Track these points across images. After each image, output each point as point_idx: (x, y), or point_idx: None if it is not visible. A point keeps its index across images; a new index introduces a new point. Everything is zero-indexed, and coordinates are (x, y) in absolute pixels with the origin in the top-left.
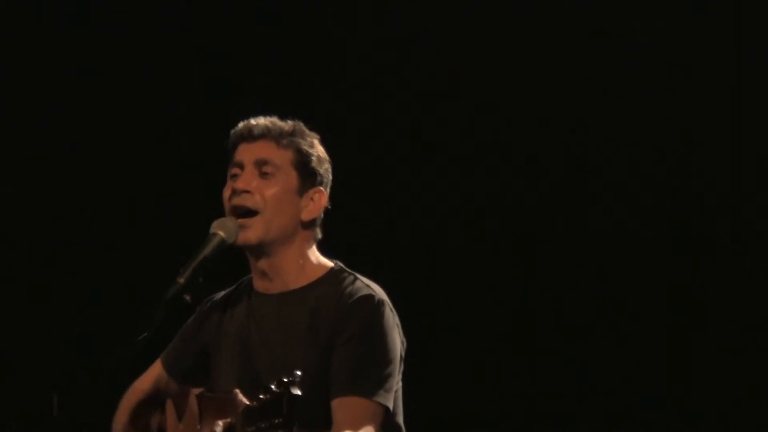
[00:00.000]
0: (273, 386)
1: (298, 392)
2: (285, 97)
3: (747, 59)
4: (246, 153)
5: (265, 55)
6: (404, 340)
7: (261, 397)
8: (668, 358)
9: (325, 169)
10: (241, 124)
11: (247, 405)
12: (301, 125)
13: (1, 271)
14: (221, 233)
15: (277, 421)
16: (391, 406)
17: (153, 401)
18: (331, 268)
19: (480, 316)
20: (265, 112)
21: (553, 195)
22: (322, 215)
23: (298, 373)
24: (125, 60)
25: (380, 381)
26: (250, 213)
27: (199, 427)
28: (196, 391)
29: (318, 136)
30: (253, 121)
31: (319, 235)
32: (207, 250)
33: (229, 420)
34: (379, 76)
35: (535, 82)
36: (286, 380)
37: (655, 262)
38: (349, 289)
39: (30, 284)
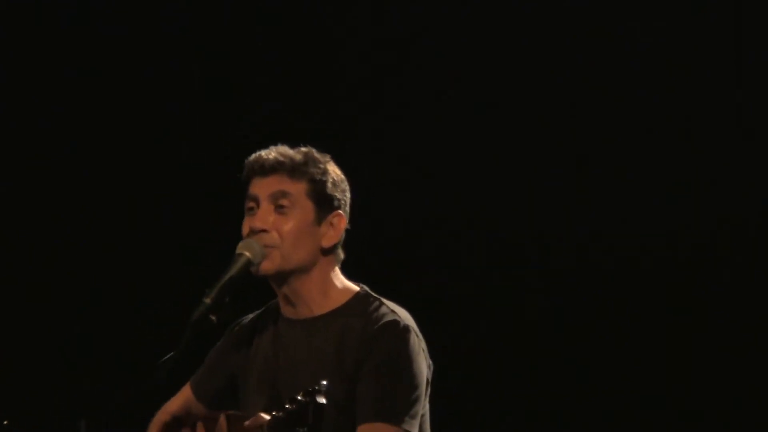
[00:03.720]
0: (299, 396)
1: (324, 400)
2: (285, 97)
3: (747, 59)
4: (260, 187)
5: (265, 55)
6: (431, 363)
7: (287, 406)
8: (668, 358)
9: (342, 191)
10: (252, 157)
11: (274, 415)
12: (312, 152)
13: (1, 271)
14: (247, 254)
15: (301, 430)
16: None
17: (182, 424)
18: (357, 293)
19: (480, 315)
20: (264, 112)
21: (553, 195)
22: (344, 236)
23: (324, 382)
24: (125, 60)
25: (406, 407)
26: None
27: None
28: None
29: (330, 157)
30: (264, 154)
31: (342, 257)
32: (233, 270)
33: None
34: (379, 76)
35: (535, 82)
36: (311, 389)
37: (656, 262)
38: (374, 316)
39: (30, 284)
